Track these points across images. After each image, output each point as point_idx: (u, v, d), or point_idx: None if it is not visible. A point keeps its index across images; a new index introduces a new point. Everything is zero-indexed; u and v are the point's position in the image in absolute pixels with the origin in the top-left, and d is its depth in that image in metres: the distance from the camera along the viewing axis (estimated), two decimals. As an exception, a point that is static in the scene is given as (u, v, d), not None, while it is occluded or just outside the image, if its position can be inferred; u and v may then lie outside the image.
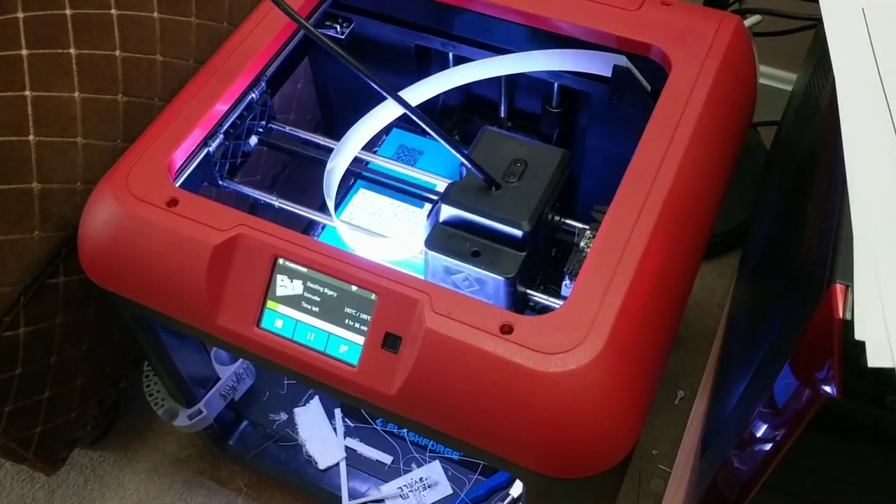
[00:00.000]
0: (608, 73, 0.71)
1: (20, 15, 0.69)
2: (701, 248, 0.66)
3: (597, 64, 0.71)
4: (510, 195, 0.61)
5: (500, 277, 0.59)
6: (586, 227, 0.62)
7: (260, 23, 0.72)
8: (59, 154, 0.70)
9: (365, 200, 0.75)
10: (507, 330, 0.54)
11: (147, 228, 0.61)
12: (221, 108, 0.68)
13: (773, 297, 0.65)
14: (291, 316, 0.60)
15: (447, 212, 0.61)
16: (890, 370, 0.43)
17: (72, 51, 0.71)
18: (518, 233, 0.60)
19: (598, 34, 0.70)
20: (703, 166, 0.63)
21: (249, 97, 0.71)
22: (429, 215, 0.63)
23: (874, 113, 0.53)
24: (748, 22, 0.98)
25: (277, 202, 0.70)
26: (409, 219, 0.73)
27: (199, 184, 0.69)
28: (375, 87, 0.58)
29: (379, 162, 0.74)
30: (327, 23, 0.78)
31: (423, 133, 0.83)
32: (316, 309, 0.60)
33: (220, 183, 0.71)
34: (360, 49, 0.80)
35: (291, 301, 0.60)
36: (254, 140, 0.74)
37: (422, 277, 0.58)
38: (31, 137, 0.68)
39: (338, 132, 0.72)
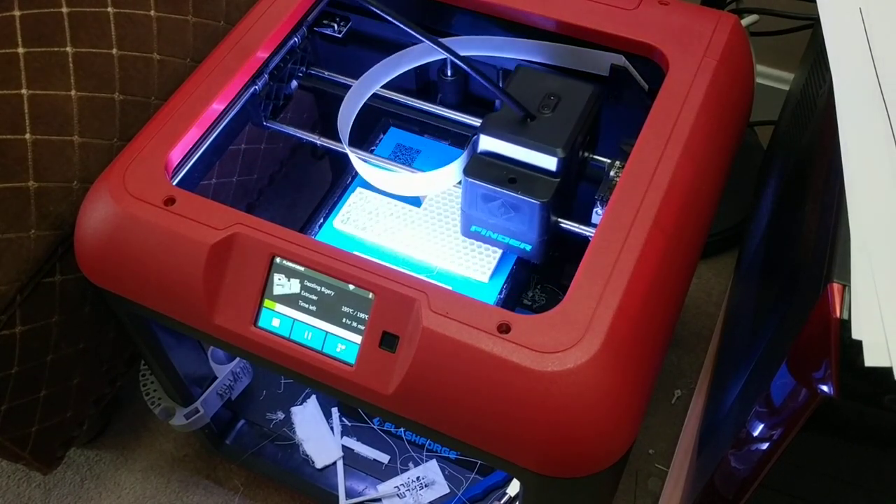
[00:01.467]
0: (605, 72, 0.71)
1: (16, 13, 0.69)
2: (698, 247, 0.66)
3: (594, 62, 0.71)
4: (545, 125, 0.63)
5: (535, 202, 0.62)
6: (615, 158, 0.65)
7: (258, 21, 0.72)
8: (56, 152, 0.70)
9: (362, 200, 0.75)
10: (504, 329, 0.54)
11: (144, 227, 0.61)
12: (218, 106, 0.68)
13: (770, 297, 0.65)
14: (289, 315, 0.60)
15: (485, 142, 0.64)
16: (887, 370, 0.43)
17: (68, 49, 0.71)
18: (553, 160, 0.62)
19: (595, 33, 0.70)
20: (700, 165, 0.63)
21: (292, 42, 0.73)
22: (467, 147, 0.66)
23: (871, 112, 0.53)
24: (745, 21, 0.98)
25: (319, 140, 0.72)
26: (407, 218, 0.73)
27: (197, 181, 0.69)
28: (408, 30, 0.60)
29: (410, 101, 0.75)
30: (325, 21, 0.78)
31: (420, 132, 0.83)
32: (313, 308, 0.60)
33: (265, 123, 0.73)
34: (358, 47, 0.80)
35: (288, 300, 0.60)
36: (294, 84, 0.76)
37: (420, 277, 0.58)
38: (27, 136, 0.68)
39: (335, 129, 0.72)
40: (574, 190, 0.68)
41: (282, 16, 0.73)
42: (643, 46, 0.69)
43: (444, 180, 0.67)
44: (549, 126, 0.63)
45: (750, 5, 1.00)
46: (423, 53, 0.73)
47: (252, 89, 0.71)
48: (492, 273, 0.69)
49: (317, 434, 0.92)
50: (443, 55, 0.63)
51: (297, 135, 0.73)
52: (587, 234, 0.64)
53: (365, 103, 0.76)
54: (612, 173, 0.63)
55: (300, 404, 0.94)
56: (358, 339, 0.58)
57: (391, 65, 0.73)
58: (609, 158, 0.66)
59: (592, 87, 0.66)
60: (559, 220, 0.65)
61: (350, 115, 0.71)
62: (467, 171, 0.64)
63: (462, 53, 0.75)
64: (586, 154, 0.68)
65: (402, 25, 0.60)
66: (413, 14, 0.77)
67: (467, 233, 0.68)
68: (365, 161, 0.69)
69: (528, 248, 0.66)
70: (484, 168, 0.64)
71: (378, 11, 0.60)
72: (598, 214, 0.63)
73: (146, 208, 0.61)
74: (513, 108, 0.63)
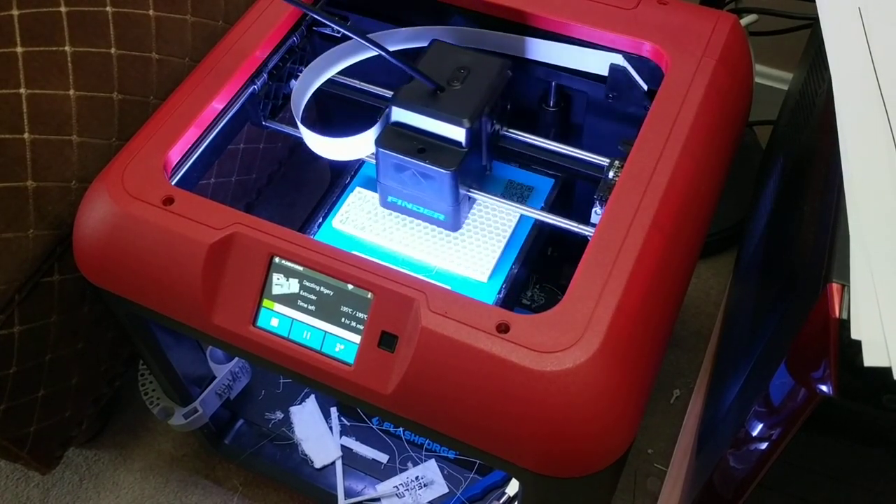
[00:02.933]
0: (605, 72, 0.71)
1: (15, 12, 0.68)
2: (697, 246, 0.66)
3: (593, 62, 0.71)
4: (453, 97, 0.65)
5: (443, 171, 0.64)
6: (614, 157, 0.65)
7: (256, 20, 0.72)
8: (55, 152, 0.70)
9: (361, 200, 0.75)
10: (503, 329, 0.54)
11: (142, 227, 0.61)
12: (217, 106, 0.68)
13: (769, 297, 0.65)
14: (287, 315, 0.60)
15: (396, 113, 0.66)
16: (886, 369, 0.43)
17: (67, 48, 0.71)
18: (461, 131, 0.64)
19: (594, 33, 0.70)
20: (699, 165, 0.63)
21: (291, 41, 0.73)
22: (380, 118, 0.67)
23: (871, 112, 0.53)
24: (744, 21, 0.98)
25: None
26: (405, 217, 0.73)
27: (196, 181, 0.69)
28: (336, 26, 0.62)
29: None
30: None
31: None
32: (312, 308, 0.60)
33: (264, 123, 0.73)
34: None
35: (287, 300, 0.60)
36: (293, 83, 0.76)
37: (418, 276, 0.58)
38: (26, 135, 0.68)
39: (335, 125, 0.72)
40: (489, 161, 0.71)
41: (280, 15, 0.73)
42: (642, 46, 0.69)
43: (360, 148, 0.68)
44: (457, 98, 0.65)
45: (749, 5, 1.00)
46: (402, 40, 0.74)
47: (251, 88, 0.71)
48: (491, 273, 0.69)
49: (315, 434, 0.92)
50: (374, 51, 0.64)
51: (296, 134, 0.73)
52: (586, 233, 0.64)
53: (364, 102, 0.76)
54: (610, 174, 0.64)
55: (299, 404, 0.94)
56: (357, 338, 0.58)
57: (350, 49, 0.73)
58: (608, 158, 0.66)
59: (502, 61, 0.67)
60: (469, 189, 0.67)
61: (300, 102, 0.72)
62: (379, 142, 0.65)
63: (458, 44, 0.76)
64: (498, 127, 0.69)
65: (328, 22, 0.62)
66: (414, 12, 0.77)
67: (385, 203, 0.70)
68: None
69: (442, 217, 0.68)
70: (395, 138, 0.65)
71: (304, 8, 0.62)
72: (597, 214, 0.63)
73: (145, 208, 0.61)
74: (422, 81, 0.64)
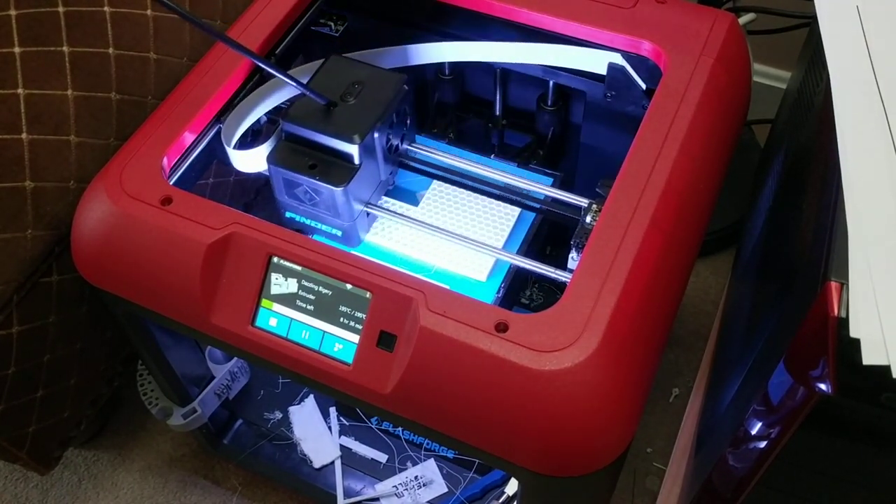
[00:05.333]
0: (603, 71, 0.71)
1: (12, 12, 0.68)
2: (695, 246, 0.66)
3: (592, 62, 0.71)
4: (346, 113, 0.64)
5: (334, 188, 0.63)
6: (592, 200, 0.63)
7: (257, 17, 0.72)
8: (53, 152, 0.70)
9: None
10: (502, 328, 0.54)
11: (140, 227, 0.61)
12: (214, 106, 0.68)
13: (767, 296, 0.65)
14: (286, 314, 0.60)
15: (289, 129, 0.65)
16: (884, 367, 0.43)
17: (65, 48, 0.71)
18: (352, 147, 0.63)
19: (592, 32, 0.70)
20: (697, 164, 0.63)
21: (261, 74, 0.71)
22: (274, 133, 0.67)
23: (869, 111, 0.53)
24: (742, 20, 0.98)
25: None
26: (404, 217, 0.73)
27: (194, 181, 0.69)
28: (242, 51, 0.61)
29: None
30: (322, 20, 0.78)
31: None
32: (311, 307, 0.60)
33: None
34: (355, 47, 0.80)
35: (286, 299, 0.60)
36: (264, 117, 0.74)
37: (417, 276, 0.58)
38: (24, 136, 0.68)
39: None
40: (389, 175, 0.70)
41: (279, 14, 0.73)
42: (640, 45, 0.69)
43: (256, 161, 0.67)
44: (350, 114, 0.64)
45: (747, 4, 1.00)
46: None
47: (217, 126, 0.69)
48: (489, 272, 0.69)
49: (314, 433, 0.92)
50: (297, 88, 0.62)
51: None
52: (563, 279, 0.62)
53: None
54: (588, 218, 0.62)
55: (298, 404, 0.94)
56: (355, 338, 0.58)
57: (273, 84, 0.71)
58: (587, 199, 0.64)
59: (398, 77, 0.67)
60: (367, 203, 0.67)
61: (234, 133, 0.70)
62: (270, 158, 0.65)
63: (457, 59, 0.76)
64: (396, 142, 0.68)
65: (244, 53, 0.61)
66: (410, 13, 0.77)
67: (284, 220, 0.69)
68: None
69: (340, 233, 0.67)
70: (288, 155, 0.65)
71: (205, 28, 0.61)
72: (573, 260, 0.62)
73: (143, 208, 0.61)
74: (312, 97, 0.63)
